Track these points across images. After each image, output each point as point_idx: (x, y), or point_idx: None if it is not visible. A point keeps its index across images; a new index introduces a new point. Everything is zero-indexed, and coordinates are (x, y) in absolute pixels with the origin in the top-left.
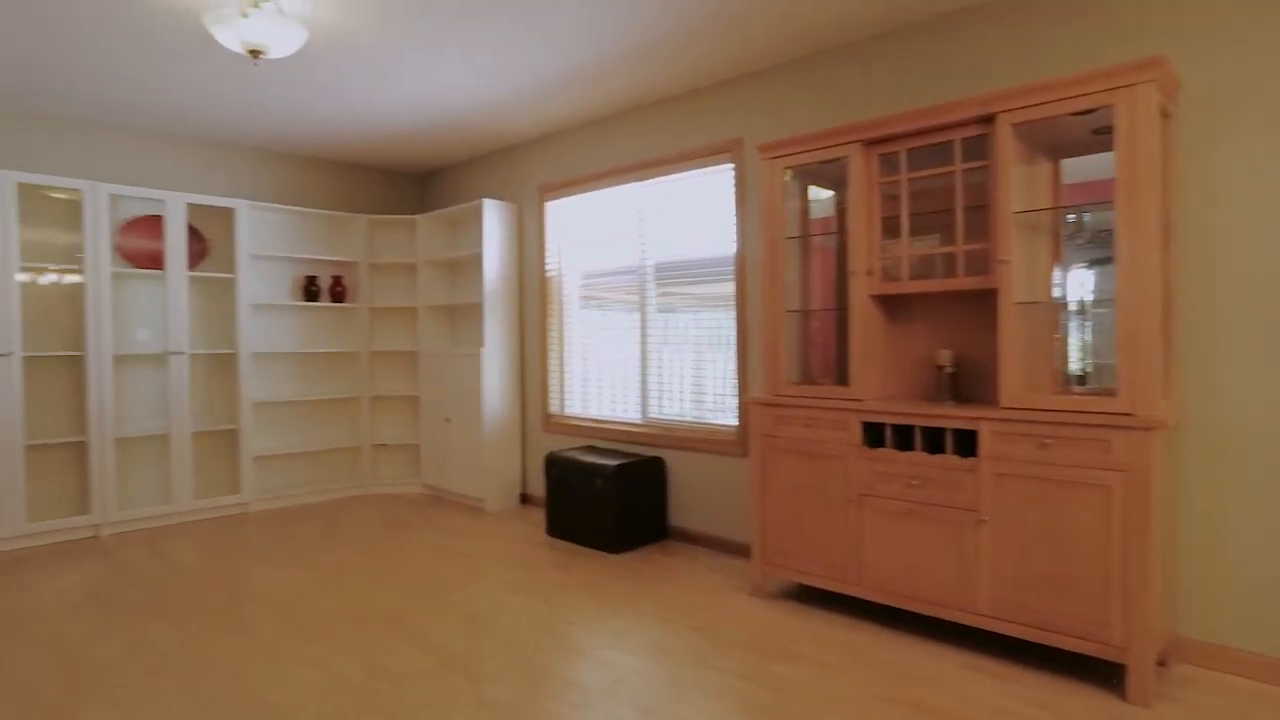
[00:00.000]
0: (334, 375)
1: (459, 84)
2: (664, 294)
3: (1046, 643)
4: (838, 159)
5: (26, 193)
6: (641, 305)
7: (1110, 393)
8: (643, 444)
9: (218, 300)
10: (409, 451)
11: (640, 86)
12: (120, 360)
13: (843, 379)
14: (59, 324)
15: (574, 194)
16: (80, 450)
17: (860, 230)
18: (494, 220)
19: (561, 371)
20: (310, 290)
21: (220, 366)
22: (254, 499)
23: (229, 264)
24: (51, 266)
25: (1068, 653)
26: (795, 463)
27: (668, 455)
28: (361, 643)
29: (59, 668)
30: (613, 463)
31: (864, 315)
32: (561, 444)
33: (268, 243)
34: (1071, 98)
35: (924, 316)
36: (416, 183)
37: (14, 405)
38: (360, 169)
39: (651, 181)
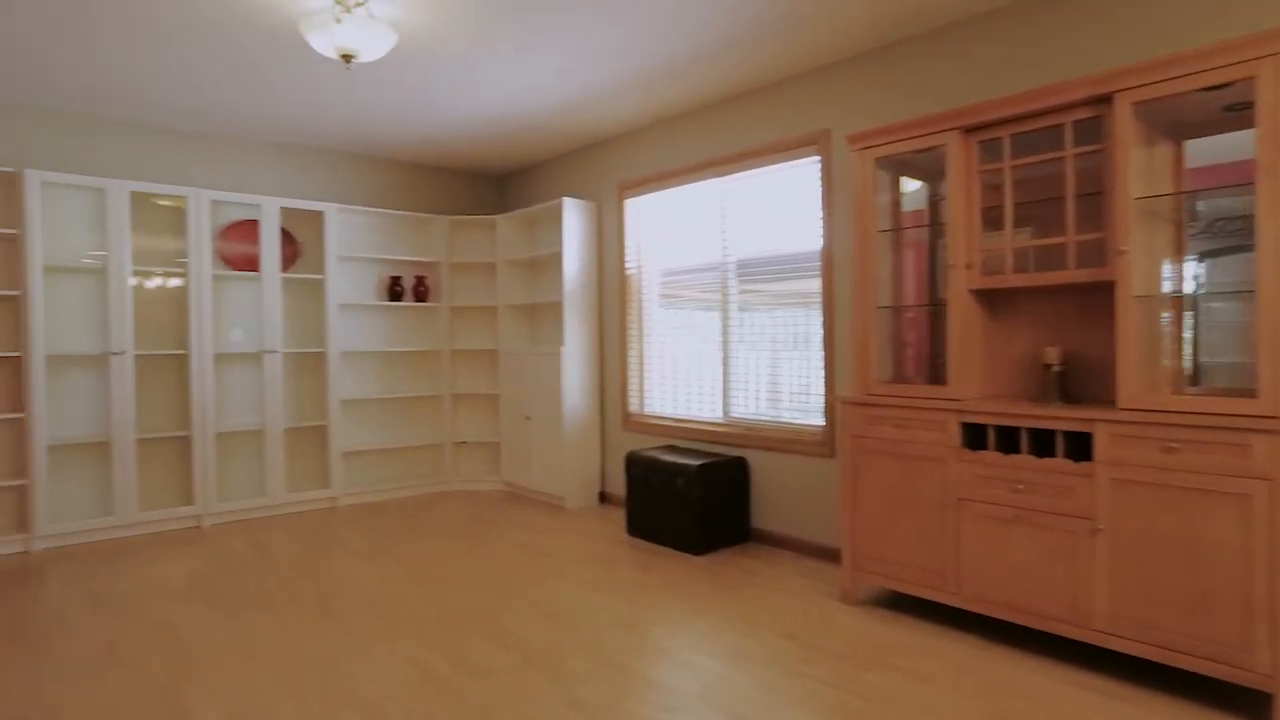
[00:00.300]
0: (417, 373)
1: (541, 84)
2: (746, 291)
3: (1174, 664)
4: (934, 148)
5: (136, 200)
6: (723, 302)
7: (1243, 392)
8: (724, 444)
9: (308, 301)
10: (489, 449)
11: (723, 80)
12: (219, 359)
13: (937, 378)
14: (165, 325)
15: (653, 191)
16: (184, 444)
17: (959, 222)
18: (573, 219)
19: (641, 370)
20: (394, 290)
21: (310, 365)
22: (342, 494)
23: (318, 265)
24: (157, 270)
25: (1198, 676)
26: (887, 464)
27: (750, 455)
28: (448, 637)
29: (168, 651)
30: (695, 462)
31: (963, 311)
32: (641, 443)
33: (354, 244)
34: (1203, 71)
35: (1028, 312)
36: (496, 183)
37: (127, 401)
38: (441, 171)
39: (733, 176)
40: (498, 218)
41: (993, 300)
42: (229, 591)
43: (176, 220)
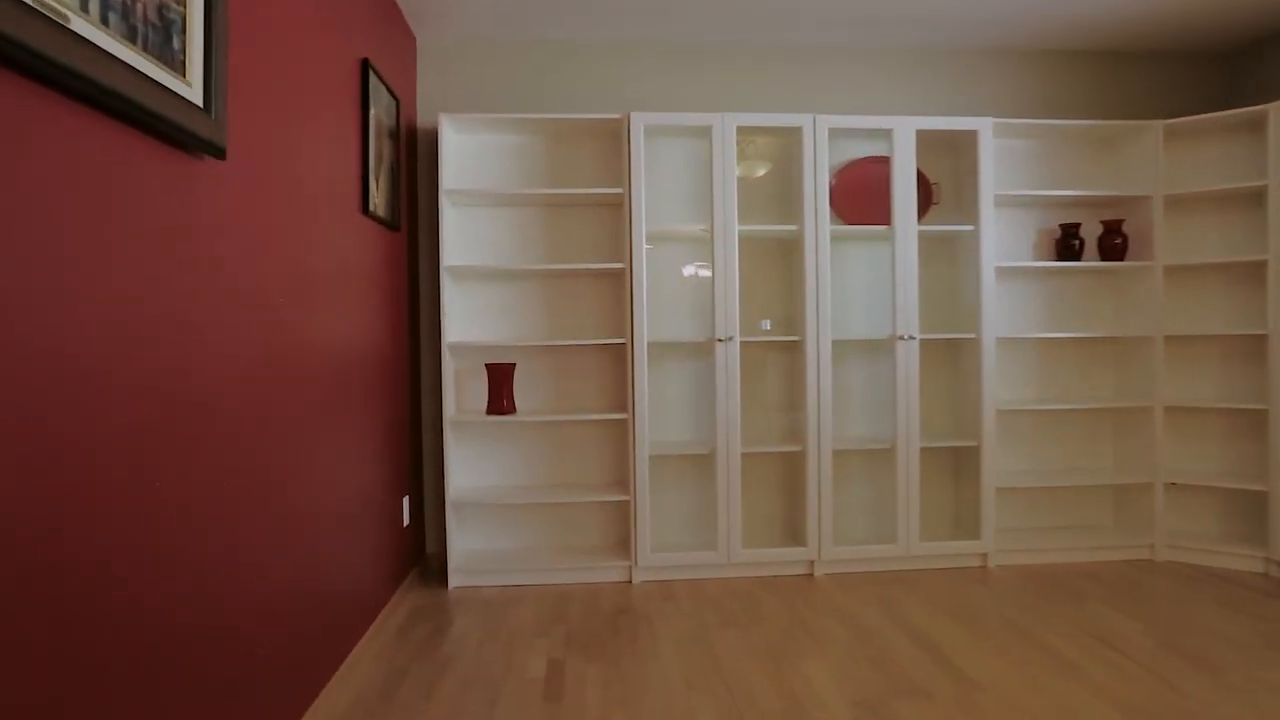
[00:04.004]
0: (1099, 372)
1: None
2: None
3: None
4: None
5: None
6: None
7: None
8: None
9: (942, 264)
10: (1226, 498)
11: None
12: (836, 347)
13: None
14: (765, 301)
15: None
16: (792, 463)
17: None
18: None
19: None
20: (1068, 245)
21: (944, 357)
22: (994, 549)
23: (962, 213)
24: (761, 231)
25: None
26: None
27: None
28: None
29: None
30: None
31: None
32: None
33: (1008, 180)
34: None
35: None
36: (1224, 64)
37: (731, 402)
38: (1131, 58)
39: None
40: (1269, 108)
41: None
42: None
43: (775, 183)
